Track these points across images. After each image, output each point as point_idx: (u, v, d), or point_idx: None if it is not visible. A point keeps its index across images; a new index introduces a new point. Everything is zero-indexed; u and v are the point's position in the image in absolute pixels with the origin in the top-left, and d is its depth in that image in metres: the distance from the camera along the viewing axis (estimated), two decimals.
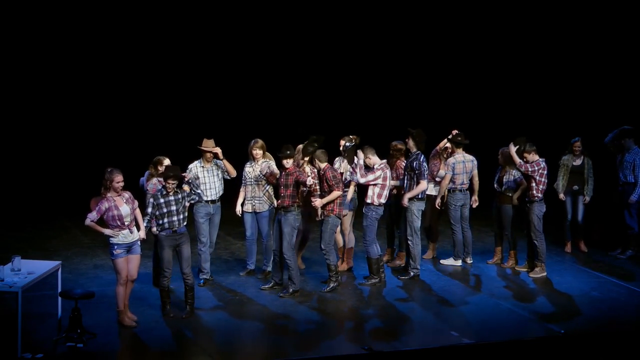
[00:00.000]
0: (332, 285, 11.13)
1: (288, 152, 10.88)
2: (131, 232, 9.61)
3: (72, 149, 18.16)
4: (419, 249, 11.69)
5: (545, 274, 11.90)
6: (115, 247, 9.52)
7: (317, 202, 11.01)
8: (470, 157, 12.16)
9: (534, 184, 11.73)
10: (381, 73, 19.87)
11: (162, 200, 9.95)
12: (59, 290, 9.54)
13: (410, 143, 11.64)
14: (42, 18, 18.01)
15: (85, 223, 9.44)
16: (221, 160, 11.37)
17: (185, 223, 10.08)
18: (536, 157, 11.74)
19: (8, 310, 8.71)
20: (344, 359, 9.12)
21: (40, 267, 9.43)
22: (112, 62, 18.66)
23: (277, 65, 19.59)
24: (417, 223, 11.63)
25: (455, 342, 9.50)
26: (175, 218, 9.97)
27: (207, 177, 11.34)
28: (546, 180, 11.77)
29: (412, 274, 11.68)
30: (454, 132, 12.11)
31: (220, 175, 11.44)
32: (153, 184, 10.82)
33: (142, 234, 9.85)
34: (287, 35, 19.34)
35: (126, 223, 9.56)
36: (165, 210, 9.94)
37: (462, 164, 12.02)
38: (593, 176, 12.95)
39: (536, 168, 11.68)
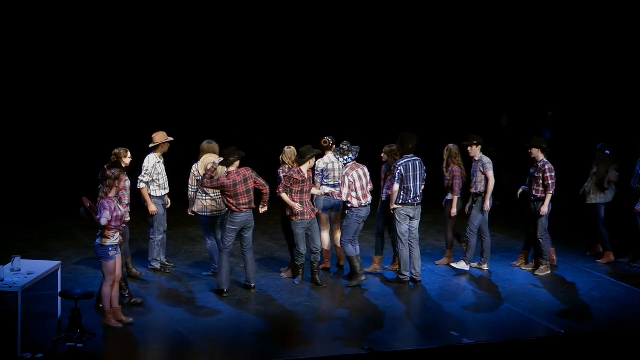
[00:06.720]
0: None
1: (236, 156, 10.72)
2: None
3: (71, 148, 18.14)
4: (405, 253, 11.40)
5: (550, 272, 11.93)
6: (111, 248, 9.50)
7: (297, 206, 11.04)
8: None
9: (542, 182, 11.73)
10: (381, 76, 19.90)
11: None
12: (59, 290, 9.54)
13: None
14: (24, 21, 18.01)
15: (103, 223, 9.26)
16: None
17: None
18: (541, 157, 11.75)
19: (8, 310, 8.70)
20: (344, 359, 9.13)
21: (40, 267, 9.43)
22: (103, 60, 18.69)
23: (264, 63, 19.58)
24: (401, 227, 11.37)
25: (455, 342, 9.51)
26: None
27: (164, 169, 11.56)
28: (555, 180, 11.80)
29: (400, 278, 11.53)
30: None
31: None
32: None
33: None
34: (267, 32, 19.28)
35: (123, 225, 9.64)
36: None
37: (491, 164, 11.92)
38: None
39: (552, 174, 11.71)
